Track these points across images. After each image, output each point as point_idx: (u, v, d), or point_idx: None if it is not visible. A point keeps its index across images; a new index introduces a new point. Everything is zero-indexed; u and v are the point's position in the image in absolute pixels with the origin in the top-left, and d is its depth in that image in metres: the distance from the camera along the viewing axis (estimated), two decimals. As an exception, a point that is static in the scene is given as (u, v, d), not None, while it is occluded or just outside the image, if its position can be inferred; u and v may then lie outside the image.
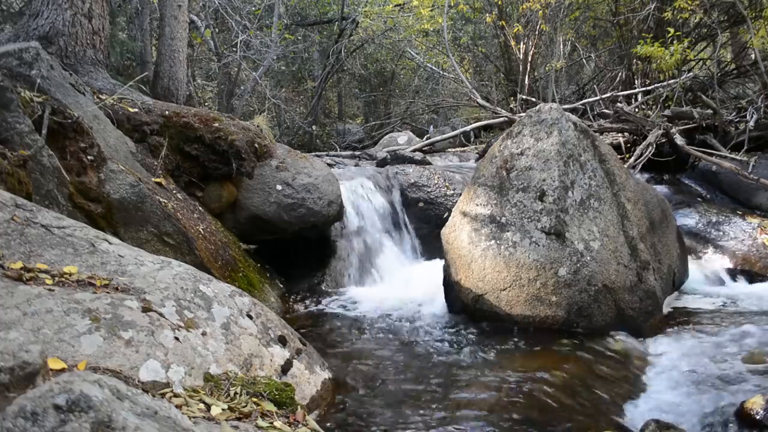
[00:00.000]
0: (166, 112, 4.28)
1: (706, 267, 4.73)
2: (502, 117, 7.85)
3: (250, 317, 2.35)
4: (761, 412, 2.18)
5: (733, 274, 4.56)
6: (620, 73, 8.54)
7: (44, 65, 3.44)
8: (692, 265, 4.45)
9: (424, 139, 8.58)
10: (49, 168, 2.88)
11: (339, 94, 14.16)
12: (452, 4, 10.55)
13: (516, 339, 3.25)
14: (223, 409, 1.66)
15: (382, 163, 6.35)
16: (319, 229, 4.66)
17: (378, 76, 13.44)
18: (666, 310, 3.68)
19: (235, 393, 1.81)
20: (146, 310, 1.95)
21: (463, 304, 3.64)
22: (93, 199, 3.15)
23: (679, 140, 5.95)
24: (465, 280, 3.60)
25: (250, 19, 10.15)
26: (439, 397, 2.53)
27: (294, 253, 4.81)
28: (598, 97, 7.57)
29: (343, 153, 8.39)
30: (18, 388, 1.11)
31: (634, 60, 7.87)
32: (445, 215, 4.63)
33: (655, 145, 5.88)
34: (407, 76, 13.81)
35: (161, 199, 3.52)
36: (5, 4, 8.24)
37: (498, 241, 3.50)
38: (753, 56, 7.53)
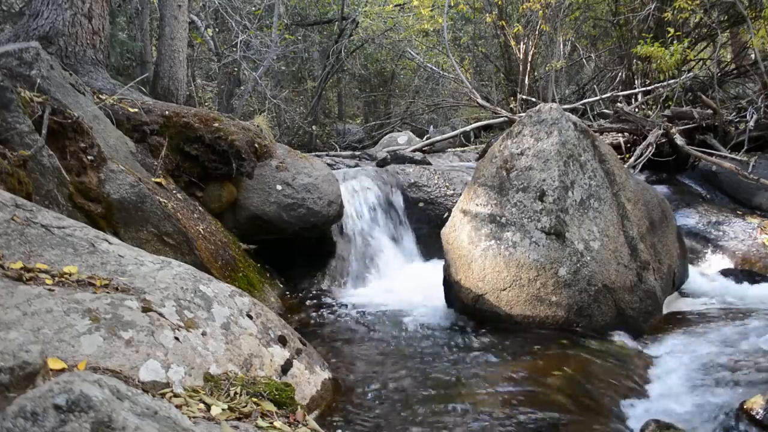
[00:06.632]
0: (166, 112, 4.28)
1: (706, 267, 4.73)
2: (502, 117, 7.85)
3: (250, 317, 2.34)
4: (761, 412, 2.17)
5: (733, 273, 4.55)
6: (620, 73, 8.54)
7: (44, 65, 3.45)
8: (692, 265, 4.45)
9: (424, 139, 8.58)
10: (49, 168, 2.88)
11: (339, 94, 14.16)
12: (452, 4, 10.55)
13: (516, 339, 3.25)
14: (223, 409, 1.66)
15: (382, 163, 6.35)
16: (319, 229, 4.66)
17: (378, 76, 13.43)
18: (666, 310, 3.68)
19: (235, 393, 1.81)
20: (146, 310, 1.95)
21: (463, 304, 3.64)
22: (93, 199, 3.15)
23: (679, 140, 5.95)
24: (465, 280, 3.60)
25: (250, 19, 10.15)
26: (439, 397, 2.53)
27: (294, 253, 4.82)
28: (598, 97, 7.58)
29: (343, 153, 8.37)
30: (18, 388, 1.11)
31: (634, 60, 7.87)
32: (445, 215, 4.63)
33: (655, 145, 5.88)
34: (407, 76, 13.80)
35: (161, 199, 3.52)
36: (5, 4, 8.24)
37: (498, 241, 3.50)
38: (753, 56, 7.53)
